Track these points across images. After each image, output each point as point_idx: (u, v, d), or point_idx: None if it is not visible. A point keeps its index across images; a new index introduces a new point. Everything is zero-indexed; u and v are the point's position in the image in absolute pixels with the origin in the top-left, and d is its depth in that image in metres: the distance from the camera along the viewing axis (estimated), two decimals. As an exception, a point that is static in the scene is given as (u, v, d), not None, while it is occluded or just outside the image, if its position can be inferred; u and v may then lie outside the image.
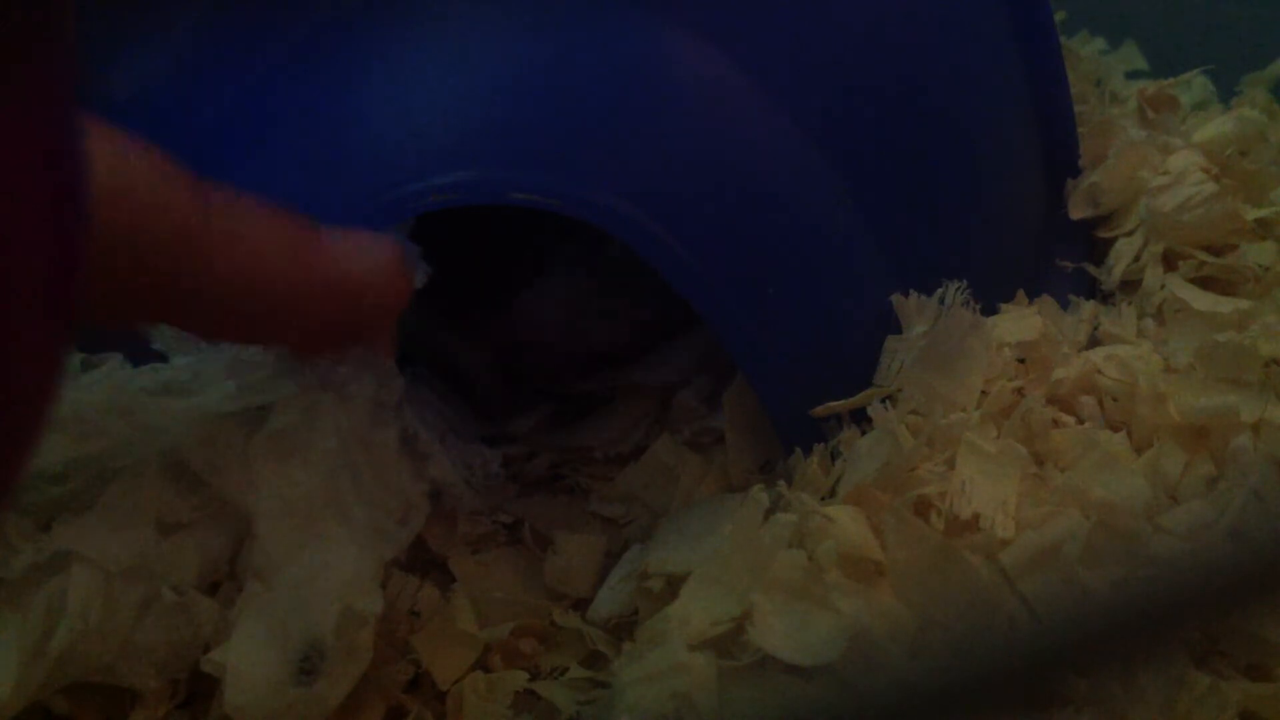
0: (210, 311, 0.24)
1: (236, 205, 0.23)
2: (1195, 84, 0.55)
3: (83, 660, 0.26)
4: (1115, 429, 0.33)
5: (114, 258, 0.21)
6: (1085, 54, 0.61)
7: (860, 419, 0.32)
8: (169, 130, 0.32)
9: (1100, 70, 0.59)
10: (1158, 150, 0.45)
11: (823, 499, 0.30)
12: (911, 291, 0.34)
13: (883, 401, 0.32)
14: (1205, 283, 0.41)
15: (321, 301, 0.25)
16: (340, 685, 0.27)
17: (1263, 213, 0.43)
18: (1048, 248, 0.43)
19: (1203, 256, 0.41)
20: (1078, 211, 0.44)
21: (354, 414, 0.29)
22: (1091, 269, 0.43)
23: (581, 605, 0.33)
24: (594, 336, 0.38)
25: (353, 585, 0.27)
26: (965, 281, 0.34)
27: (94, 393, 0.29)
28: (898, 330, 0.34)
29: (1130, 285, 0.42)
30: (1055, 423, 0.33)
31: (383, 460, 0.29)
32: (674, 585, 0.29)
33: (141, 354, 0.30)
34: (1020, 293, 0.38)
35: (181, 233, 0.22)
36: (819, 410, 0.32)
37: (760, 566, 0.27)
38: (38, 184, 0.13)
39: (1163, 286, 0.40)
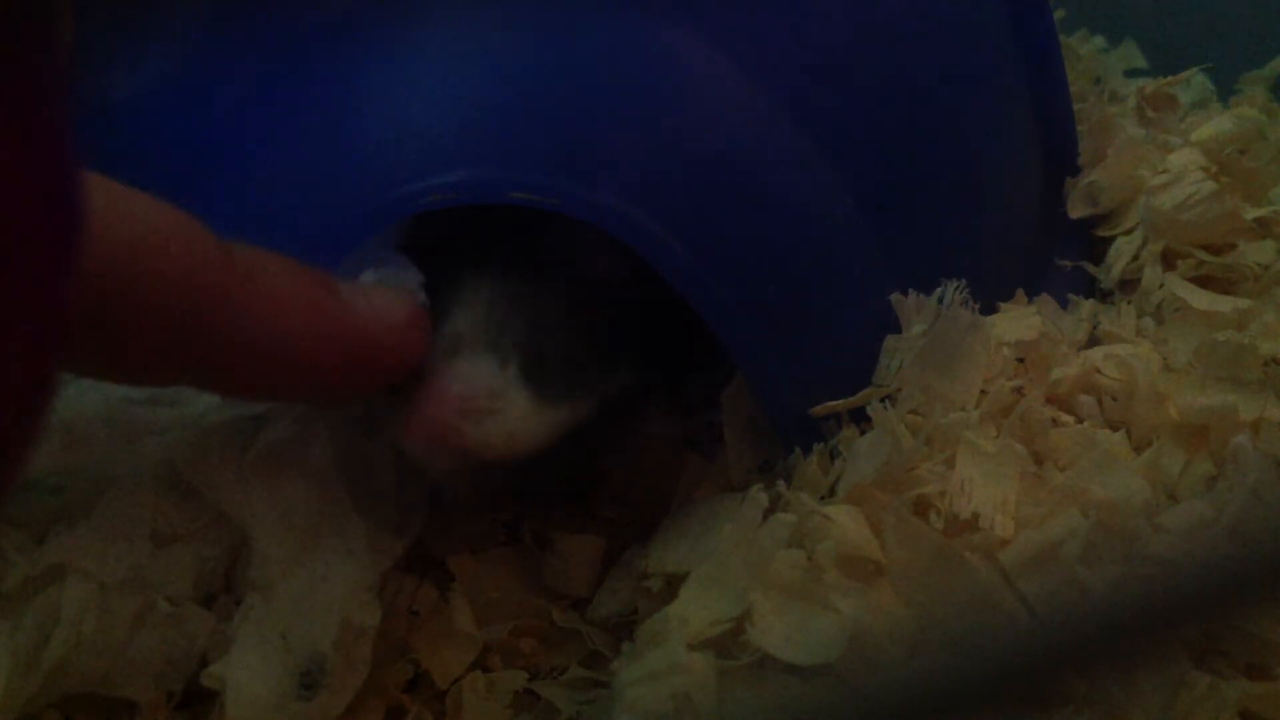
0: (231, 368, 0.24)
1: (258, 262, 0.24)
2: (1194, 82, 0.55)
3: (78, 671, 0.26)
4: (1114, 428, 0.33)
5: (137, 316, 0.21)
6: (1084, 52, 0.61)
7: (859, 418, 0.32)
8: (168, 130, 0.32)
9: (1099, 69, 0.59)
10: (1157, 149, 0.45)
11: (822, 499, 0.30)
12: (911, 291, 0.34)
13: (882, 401, 0.32)
14: (1204, 281, 0.41)
15: (340, 358, 0.25)
16: (341, 697, 0.27)
17: (1262, 211, 0.43)
18: (1047, 246, 0.43)
19: (1202, 255, 0.41)
20: (1077, 210, 0.44)
21: (347, 423, 0.29)
22: (1090, 268, 0.43)
23: (581, 605, 0.33)
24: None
25: (351, 597, 0.27)
26: (964, 281, 0.34)
27: (81, 401, 0.29)
28: (897, 330, 0.34)
29: (1129, 284, 0.42)
30: (1054, 422, 0.33)
31: (377, 468, 0.29)
32: (674, 585, 0.29)
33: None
34: (1019, 292, 0.38)
35: (205, 291, 0.22)
36: (818, 410, 0.32)
37: (759, 566, 0.27)
38: (32, 187, 0.13)
39: (1162, 285, 0.40)
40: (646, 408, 0.33)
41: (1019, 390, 0.33)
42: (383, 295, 0.26)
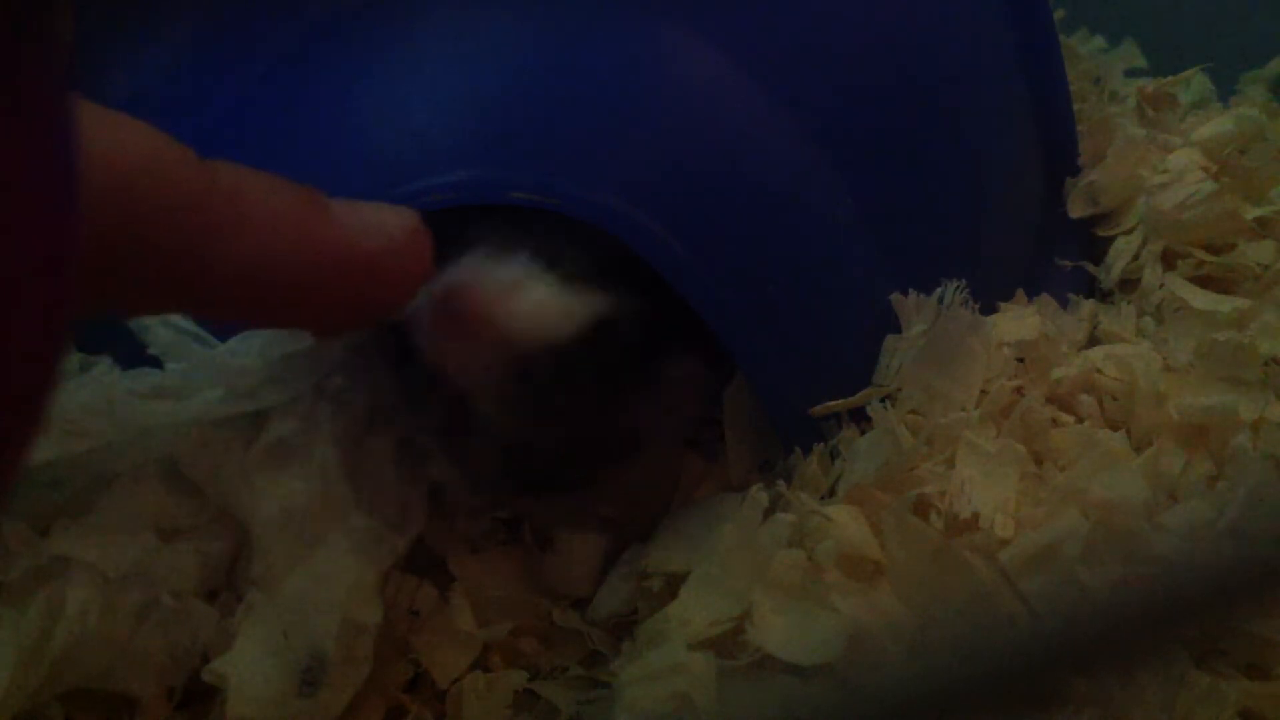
0: (220, 293, 0.23)
1: (243, 182, 0.23)
2: (1194, 82, 0.55)
3: (81, 665, 0.26)
4: (1114, 428, 0.33)
5: (121, 241, 0.20)
6: (1084, 52, 0.61)
7: (859, 418, 0.32)
8: (168, 130, 0.32)
9: (1099, 68, 0.59)
10: (1157, 149, 0.45)
11: (822, 498, 0.30)
12: (911, 291, 0.34)
13: (882, 401, 0.32)
14: (1204, 281, 0.41)
15: (335, 278, 0.24)
16: (343, 695, 0.27)
17: (1262, 211, 0.43)
18: (1047, 246, 0.43)
19: (1202, 255, 0.41)
20: (1077, 210, 0.44)
21: (350, 420, 0.29)
22: (1090, 268, 0.43)
23: (581, 605, 0.33)
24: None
25: (353, 595, 0.27)
26: (964, 280, 0.34)
27: (83, 396, 0.29)
28: (897, 329, 0.34)
29: (1129, 284, 0.42)
30: (1054, 422, 0.33)
31: (380, 466, 0.29)
32: (674, 585, 0.29)
33: (135, 358, 0.30)
34: (1019, 292, 0.38)
35: (188, 212, 0.21)
36: (818, 410, 0.32)
37: (760, 566, 0.27)
38: (32, 180, 0.13)
39: (1162, 285, 0.40)
40: (668, 348, 0.31)
41: (1019, 390, 0.33)
42: (379, 211, 0.25)
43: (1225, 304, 0.38)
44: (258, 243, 0.22)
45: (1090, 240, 0.45)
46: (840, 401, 0.32)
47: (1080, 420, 0.33)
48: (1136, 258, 0.42)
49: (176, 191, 0.21)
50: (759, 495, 0.29)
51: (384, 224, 0.25)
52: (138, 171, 0.21)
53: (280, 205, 0.23)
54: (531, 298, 0.27)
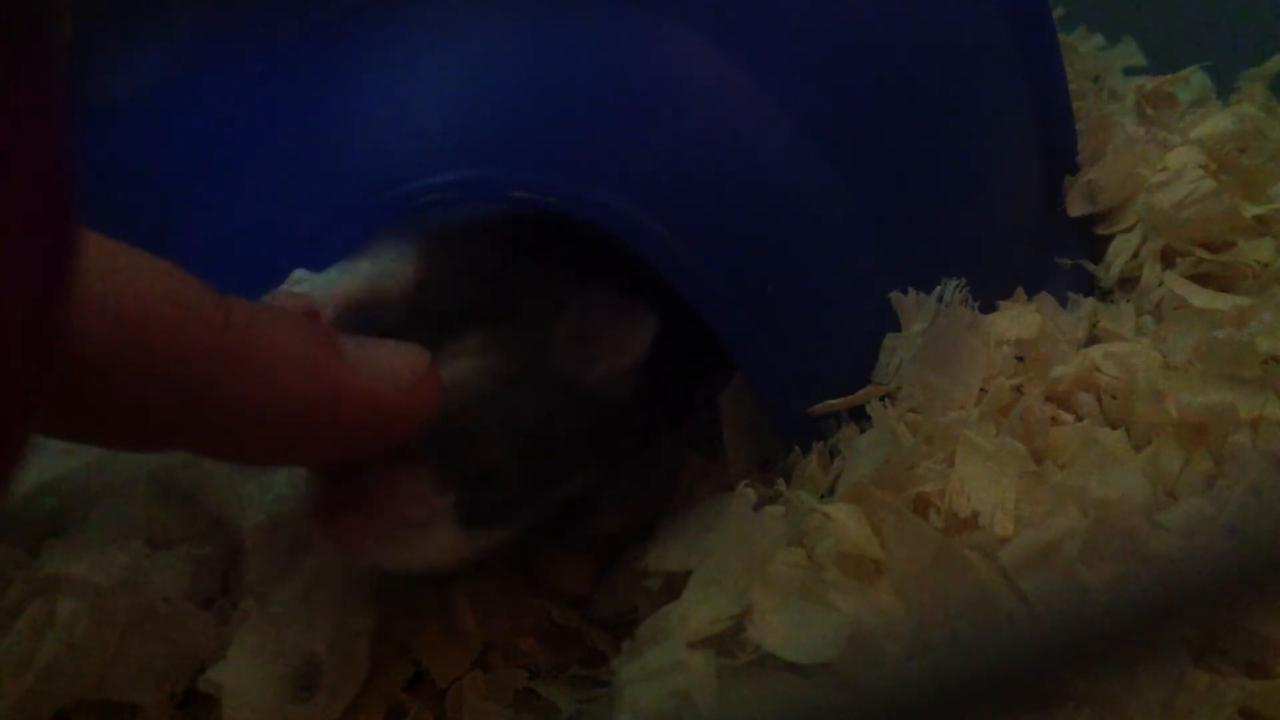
0: (229, 431, 0.23)
1: (257, 321, 0.23)
2: (1194, 80, 0.55)
3: (73, 674, 0.26)
4: (1114, 426, 0.33)
5: (125, 384, 0.20)
6: (1084, 50, 0.61)
7: (859, 417, 0.32)
8: (168, 130, 0.32)
9: (1099, 66, 0.59)
10: (1156, 147, 0.45)
11: (822, 497, 0.30)
12: (910, 289, 0.34)
13: (881, 399, 0.32)
14: (1204, 280, 0.41)
15: (343, 418, 0.24)
16: (339, 699, 0.27)
17: (1261, 209, 0.43)
18: (1046, 245, 0.43)
19: (1201, 253, 0.41)
20: (1076, 208, 0.44)
21: None
22: (1090, 266, 0.43)
23: (581, 604, 0.33)
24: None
25: (346, 599, 0.27)
26: (964, 279, 0.34)
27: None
28: (896, 328, 0.34)
29: (1129, 282, 0.42)
30: (1054, 420, 0.33)
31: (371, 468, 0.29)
32: (673, 584, 0.29)
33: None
34: (1019, 290, 0.38)
35: (201, 349, 0.21)
36: (818, 408, 0.32)
37: (759, 565, 0.27)
38: (29, 181, 0.13)
39: (1161, 284, 0.40)
40: (598, 505, 0.31)
41: (1018, 388, 0.33)
42: (390, 353, 0.25)
43: (1224, 302, 0.38)
44: (269, 383, 0.22)
45: (1090, 239, 0.45)
46: (840, 400, 0.32)
47: (1080, 419, 0.33)
48: (1136, 256, 0.42)
49: (192, 333, 0.21)
50: (757, 492, 0.29)
51: (394, 366, 0.25)
52: (155, 314, 0.21)
53: (293, 346, 0.23)
54: (428, 549, 0.26)
